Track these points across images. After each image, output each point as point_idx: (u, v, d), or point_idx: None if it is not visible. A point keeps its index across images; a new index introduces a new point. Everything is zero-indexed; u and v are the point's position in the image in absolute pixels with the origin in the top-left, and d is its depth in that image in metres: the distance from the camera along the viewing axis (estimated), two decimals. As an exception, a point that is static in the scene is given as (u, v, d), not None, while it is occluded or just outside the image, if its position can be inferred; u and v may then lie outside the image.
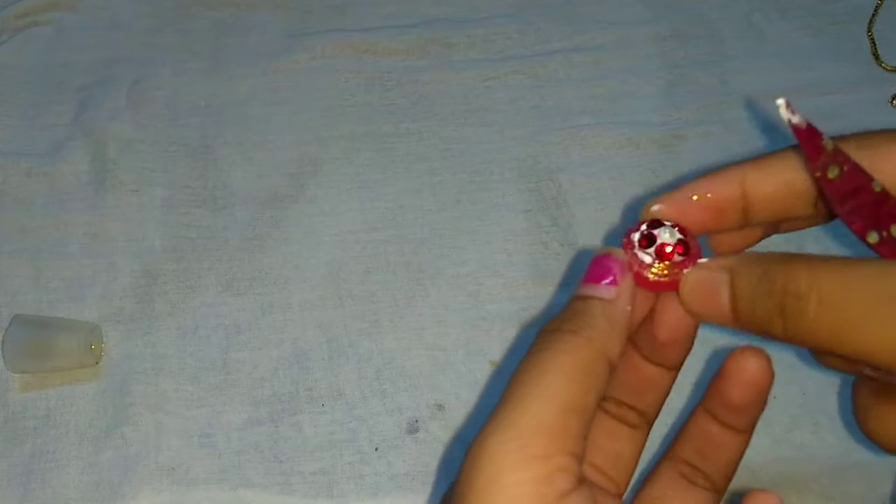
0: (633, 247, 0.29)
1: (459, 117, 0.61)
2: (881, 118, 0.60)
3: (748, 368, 0.29)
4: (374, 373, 0.51)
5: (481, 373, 0.51)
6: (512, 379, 0.27)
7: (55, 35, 0.65)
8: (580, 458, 0.26)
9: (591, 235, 0.55)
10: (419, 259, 0.55)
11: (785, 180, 0.30)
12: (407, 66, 0.63)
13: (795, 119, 0.28)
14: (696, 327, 0.30)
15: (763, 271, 0.27)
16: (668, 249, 0.29)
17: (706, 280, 0.28)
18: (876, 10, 0.65)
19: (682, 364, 0.32)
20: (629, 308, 0.28)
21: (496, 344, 0.52)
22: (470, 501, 0.25)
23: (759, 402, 0.30)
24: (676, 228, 0.29)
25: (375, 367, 0.51)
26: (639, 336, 0.31)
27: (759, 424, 0.49)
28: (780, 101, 0.28)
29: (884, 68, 0.62)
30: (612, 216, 0.56)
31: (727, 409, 0.31)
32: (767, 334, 0.27)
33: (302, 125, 0.61)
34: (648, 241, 0.29)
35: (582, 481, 0.26)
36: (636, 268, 0.29)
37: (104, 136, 0.59)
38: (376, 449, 0.48)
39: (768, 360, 0.30)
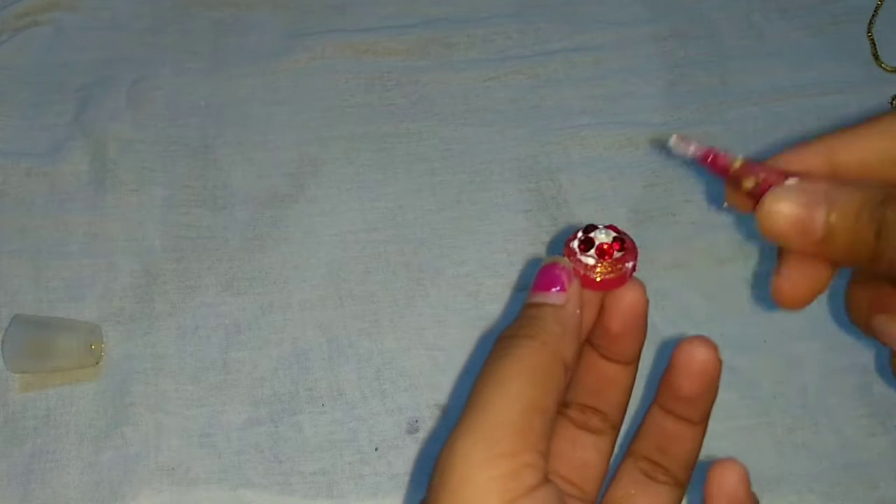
0: (575, 253, 0.31)
1: (459, 117, 0.61)
2: (881, 118, 0.60)
3: (695, 359, 0.30)
4: (374, 373, 0.51)
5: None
6: (476, 384, 0.28)
7: (55, 35, 0.65)
8: (545, 456, 0.27)
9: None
10: (419, 259, 0.55)
11: (875, 149, 0.30)
12: (407, 66, 0.63)
13: (692, 150, 0.30)
14: (646, 316, 0.31)
15: (863, 199, 0.27)
16: (606, 247, 0.30)
17: (801, 211, 0.28)
18: (876, 10, 0.65)
19: (638, 357, 0.33)
20: (578, 312, 0.30)
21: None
22: (444, 501, 0.26)
23: (710, 391, 0.31)
24: (609, 228, 0.31)
25: (375, 367, 0.51)
26: (594, 335, 0.32)
27: (760, 425, 0.49)
28: (672, 139, 0.30)
29: (884, 68, 0.62)
30: (612, 216, 0.56)
31: (679, 401, 0.32)
32: (854, 259, 0.27)
33: (302, 125, 0.61)
34: (587, 245, 0.30)
35: (548, 478, 0.27)
36: (582, 272, 0.30)
37: (104, 136, 0.59)
38: (376, 449, 0.48)
39: (715, 348, 0.30)
